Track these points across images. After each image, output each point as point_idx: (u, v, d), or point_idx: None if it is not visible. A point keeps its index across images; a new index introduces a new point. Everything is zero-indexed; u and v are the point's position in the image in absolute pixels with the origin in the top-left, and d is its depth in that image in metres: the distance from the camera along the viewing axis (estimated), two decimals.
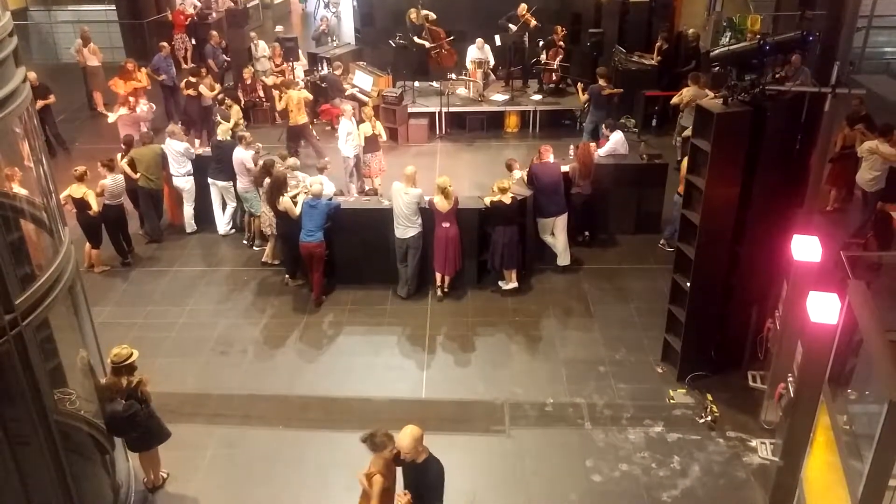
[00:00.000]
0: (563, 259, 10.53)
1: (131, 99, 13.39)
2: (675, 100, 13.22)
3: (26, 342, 5.36)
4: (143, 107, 13.44)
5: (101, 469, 6.85)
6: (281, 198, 9.67)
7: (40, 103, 13.05)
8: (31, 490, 5.67)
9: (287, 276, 10.38)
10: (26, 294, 5.46)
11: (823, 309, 5.71)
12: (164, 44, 15.85)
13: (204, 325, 9.53)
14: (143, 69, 14.63)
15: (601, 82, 13.53)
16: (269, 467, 7.21)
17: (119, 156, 11.22)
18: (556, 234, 10.42)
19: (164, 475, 7.07)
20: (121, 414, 6.48)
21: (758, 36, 7.48)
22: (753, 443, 7.39)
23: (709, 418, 7.68)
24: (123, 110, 13.22)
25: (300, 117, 13.45)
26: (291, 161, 10.75)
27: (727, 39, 16.08)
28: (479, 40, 15.62)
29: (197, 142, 13.36)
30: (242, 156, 10.73)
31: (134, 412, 6.50)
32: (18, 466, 5.54)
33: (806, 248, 6.55)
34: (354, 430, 7.56)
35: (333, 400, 8.16)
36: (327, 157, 11.86)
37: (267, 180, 10.17)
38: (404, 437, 5.39)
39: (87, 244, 10.57)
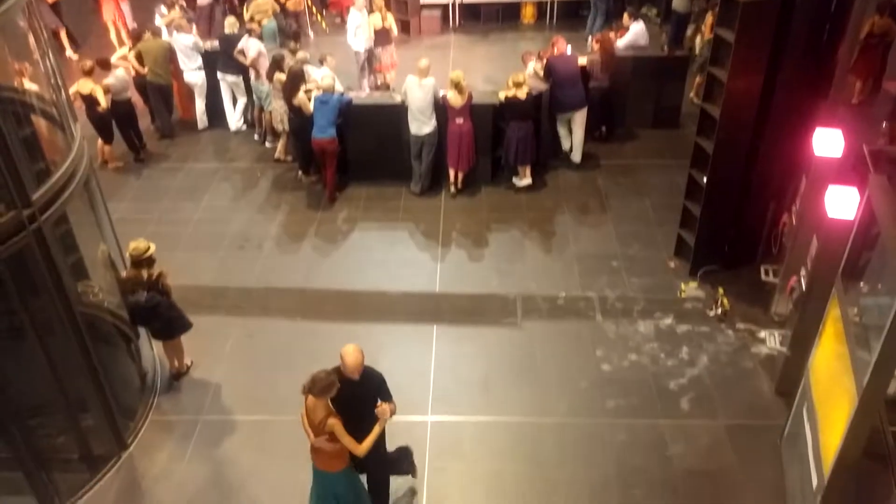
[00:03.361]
0: (577, 156, 10.40)
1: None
2: None
3: (46, 236, 5.46)
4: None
5: (127, 357, 7.12)
6: (298, 93, 9.53)
7: None
8: (62, 375, 5.92)
9: (300, 172, 10.36)
10: (43, 189, 5.53)
11: (842, 204, 5.67)
12: None
13: (219, 220, 9.62)
14: None
15: None
16: (289, 356, 7.43)
17: (126, 49, 11.02)
18: (574, 129, 10.24)
19: (189, 363, 7.33)
20: (143, 305, 6.68)
21: None
22: (762, 334, 7.51)
23: (719, 311, 7.78)
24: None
25: None
26: (301, 55, 10.50)
27: None
28: None
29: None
30: (246, 44, 10.56)
31: (156, 303, 6.68)
32: (48, 354, 5.76)
33: (828, 141, 6.42)
34: (370, 322, 7.85)
35: (349, 293, 8.31)
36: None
37: (278, 75, 10.00)
38: (353, 356, 5.12)
39: (100, 140, 10.55)
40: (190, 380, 7.26)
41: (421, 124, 9.54)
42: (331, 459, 5.25)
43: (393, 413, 5.22)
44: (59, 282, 5.62)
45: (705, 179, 7.79)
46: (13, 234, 5.26)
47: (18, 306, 5.63)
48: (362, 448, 5.10)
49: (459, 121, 9.47)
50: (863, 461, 4.70)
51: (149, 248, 6.63)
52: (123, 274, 6.81)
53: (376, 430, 5.14)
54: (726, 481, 6.15)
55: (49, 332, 5.80)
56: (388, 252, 8.97)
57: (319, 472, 5.38)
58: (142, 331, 7.12)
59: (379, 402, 5.16)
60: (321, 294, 8.34)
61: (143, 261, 6.61)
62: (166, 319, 6.87)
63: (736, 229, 8.17)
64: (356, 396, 5.19)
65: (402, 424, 6.59)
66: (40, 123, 6.41)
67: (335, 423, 5.02)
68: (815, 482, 5.17)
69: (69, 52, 13.97)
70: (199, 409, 6.94)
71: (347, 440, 5.06)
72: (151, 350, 7.39)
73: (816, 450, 5.21)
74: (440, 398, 6.95)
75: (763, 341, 7.45)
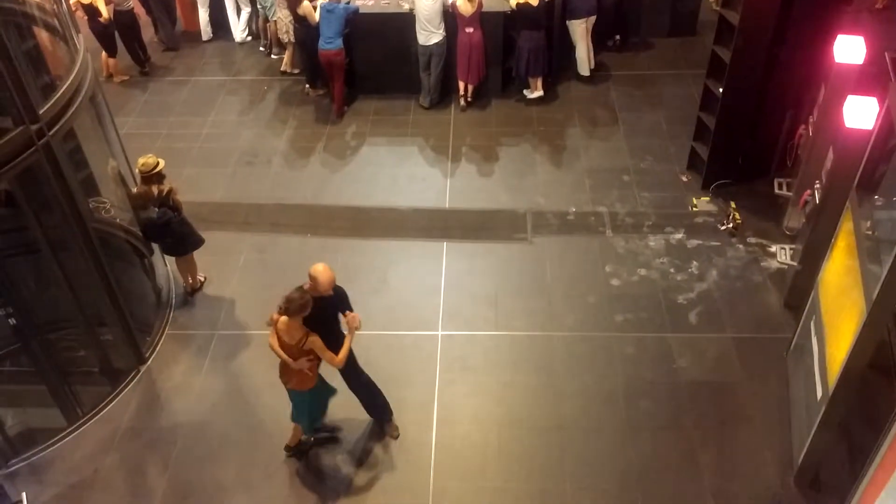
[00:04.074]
0: (593, 64, 10.13)
1: None
2: None
3: (55, 152, 5.43)
4: None
5: (141, 272, 7.22)
6: (303, 1, 9.26)
7: None
8: (79, 291, 6.02)
9: (307, 85, 10.18)
10: (49, 104, 5.46)
11: (860, 113, 5.53)
12: None
13: (227, 135, 9.54)
14: None
15: None
16: (300, 271, 7.32)
17: None
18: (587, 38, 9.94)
19: (202, 278, 7.42)
20: (155, 221, 6.72)
21: None
22: (773, 248, 7.50)
23: (730, 225, 7.74)
24: None
25: None
26: None
27: None
28: None
29: None
30: None
31: (168, 219, 6.71)
32: (63, 270, 5.84)
33: (849, 49, 6.20)
34: (379, 238, 7.86)
35: (359, 209, 8.31)
36: None
37: None
38: (326, 273, 5.15)
39: (104, 53, 10.36)
40: (204, 295, 7.37)
41: (429, 34, 9.28)
42: (304, 379, 5.37)
43: (359, 323, 5.31)
44: (70, 198, 5.63)
45: (721, 90, 7.60)
46: (22, 150, 5.23)
47: (32, 223, 5.67)
48: (339, 359, 5.22)
49: (469, 30, 9.20)
50: (868, 373, 4.76)
51: (158, 163, 6.60)
52: (134, 190, 6.82)
53: (350, 338, 5.26)
54: (732, 393, 6.27)
55: (63, 248, 5.86)
56: (398, 167, 8.90)
57: (291, 391, 5.49)
58: (155, 247, 7.18)
59: (346, 313, 5.29)
60: (330, 210, 8.34)
61: (152, 176, 6.59)
62: (178, 235, 6.91)
63: (751, 142, 8.03)
64: (326, 311, 5.31)
65: (412, 338, 6.74)
66: (42, 36, 6.28)
67: (315, 340, 5.13)
68: (819, 393, 5.26)
69: None
70: (213, 323, 7.07)
71: (328, 355, 5.18)
72: (165, 266, 7.47)
73: (822, 361, 5.28)
74: (450, 313, 7.04)
75: (774, 255, 7.44)
